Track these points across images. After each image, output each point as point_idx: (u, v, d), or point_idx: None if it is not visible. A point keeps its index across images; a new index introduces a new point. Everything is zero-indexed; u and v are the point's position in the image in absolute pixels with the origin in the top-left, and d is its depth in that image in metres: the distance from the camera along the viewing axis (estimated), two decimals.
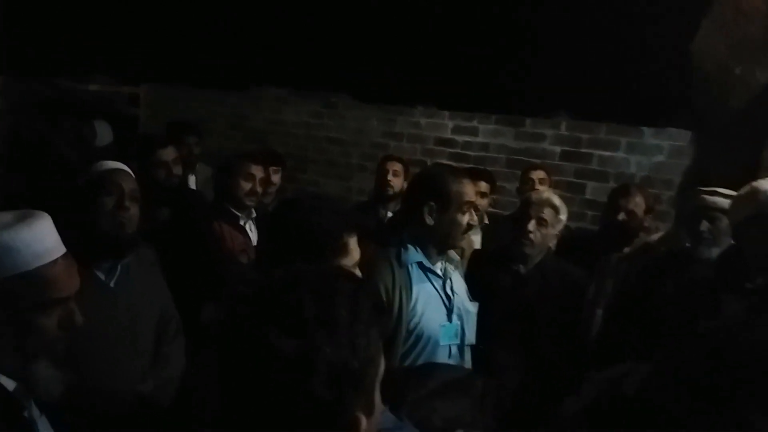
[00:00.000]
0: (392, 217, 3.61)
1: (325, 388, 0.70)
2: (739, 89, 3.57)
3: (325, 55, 5.73)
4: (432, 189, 2.07)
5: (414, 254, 2.06)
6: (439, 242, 2.08)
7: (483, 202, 3.53)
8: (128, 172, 2.03)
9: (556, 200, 2.72)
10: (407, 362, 1.99)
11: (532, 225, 2.60)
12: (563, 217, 2.70)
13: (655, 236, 3.24)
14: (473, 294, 2.26)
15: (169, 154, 3.10)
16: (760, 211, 2.09)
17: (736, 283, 2.12)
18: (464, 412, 1.24)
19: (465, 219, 2.05)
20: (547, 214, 2.62)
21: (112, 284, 1.95)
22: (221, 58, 6.15)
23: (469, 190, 2.08)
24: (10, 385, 1.23)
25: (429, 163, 5.08)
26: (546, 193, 2.83)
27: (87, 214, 1.90)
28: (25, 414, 1.24)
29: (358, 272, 1.56)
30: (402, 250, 2.06)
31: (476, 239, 3.54)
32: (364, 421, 0.75)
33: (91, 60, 6.31)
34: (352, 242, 1.55)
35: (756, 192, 2.14)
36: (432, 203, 2.04)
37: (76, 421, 1.44)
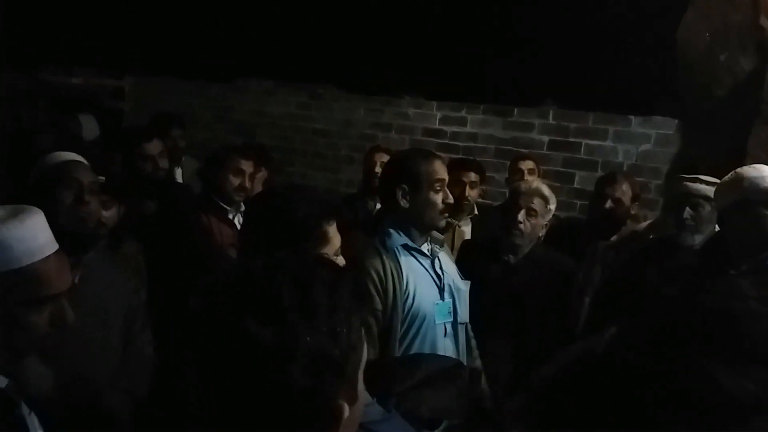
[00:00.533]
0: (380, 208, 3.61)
1: (306, 376, 0.70)
2: (723, 77, 3.59)
3: (312, 46, 5.69)
4: (402, 172, 2.11)
5: (398, 238, 2.09)
6: (418, 224, 2.10)
7: (472, 193, 3.53)
8: (85, 164, 1.98)
9: (545, 190, 2.73)
10: (406, 343, 2.02)
11: (521, 215, 2.61)
12: (552, 206, 2.71)
13: (643, 224, 3.27)
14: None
15: (155, 147, 3.07)
16: (744, 198, 2.11)
17: (719, 269, 2.14)
18: (452, 401, 1.24)
19: (439, 197, 2.07)
20: (537, 204, 2.63)
21: (76, 280, 1.93)
22: (207, 50, 6.10)
23: (440, 168, 2.10)
24: (2, 382, 1.22)
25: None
26: (535, 183, 2.84)
27: (45, 208, 1.87)
28: (17, 411, 1.23)
29: (339, 260, 1.57)
30: (386, 236, 2.09)
31: (466, 230, 3.54)
32: (346, 409, 0.75)
33: (74, 52, 6.23)
34: (332, 230, 1.55)
35: (740, 179, 2.16)
36: (404, 186, 2.07)
37: (63, 419, 1.43)
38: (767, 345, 0.27)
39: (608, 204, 3.06)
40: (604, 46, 4.41)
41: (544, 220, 2.69)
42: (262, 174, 3.78)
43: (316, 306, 0.73)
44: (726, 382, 0.26)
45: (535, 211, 2.62)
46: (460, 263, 2.82)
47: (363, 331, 0.80)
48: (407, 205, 2.08)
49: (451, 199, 2.11)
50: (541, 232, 2.72)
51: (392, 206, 2.10)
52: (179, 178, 3.94)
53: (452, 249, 3.43)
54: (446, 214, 2.11)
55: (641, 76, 4.15)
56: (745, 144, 3.42)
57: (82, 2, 6.19)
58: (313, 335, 0.71)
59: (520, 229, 2.61)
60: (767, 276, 2.05)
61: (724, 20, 3.54)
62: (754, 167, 2.22)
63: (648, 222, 3.28)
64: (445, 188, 2.09)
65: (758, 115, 3.40)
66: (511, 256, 2.69)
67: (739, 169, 2.21)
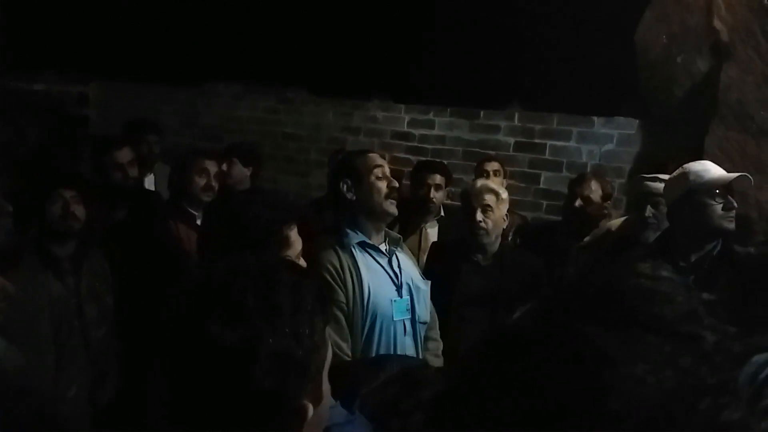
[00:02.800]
0: None
1: (269, 377, 0.71)
2: (681, 78, 3.70)
3: (280, 49, 5.68)
4: (342, 169, 2.21)
5: (354, 236, 2.14)
6: (369, 214, 2.16)
7: (438, 195, 3.58)
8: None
9: (492, 184, 2.83)
10: (366, 339, 2.06)
11: (479, 214, 2.66)
12: (505, 196, 2.78)
13: (614, 222, 3.34)
14: (434, 284, 2.31)
15: (125, 155, 3.06)
16: (688, 190, 2.20)
17: (670, 262, 2.21)
18: (416, 402, 1.26)
19: (382, 183, 2.14)
20: (489, 199, 2.69)
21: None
22: (174, 53, 6.04)
23: (376, 158, 2.21)
24: None
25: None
26: (479, 181, 2.92)
27: None
28: None
29: (302, 262, 1.59)
30: (342, 235, 2.14)
31: (432, 232, 3.58)
32: (311, 408, 0.76)
33: (36, 58, 6.12)
34: (293, 234, 1.57)
35: (685, 173, 2.25)
36: (347, 180, 2.15)
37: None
38: (657, 321, 0.30)
39: (578, 202, 3.14)
40: (566, 49, 4.50)
41: (502, 212, 2.74)
42: (247, 170, 3.77)
43: (278, 308, 0.74)
44: (614, 354, 0.29)
45: (489, 206, 2.68)
46: (430, 265, 2.87)
47: (327, 331, 0.82)
48: (354, 197, 2.14)
49: (395, 183, 2.18)
50: (505, 224, 2.77)
51: (342, 203, 2.17)
52: (152, 184, 3.91)
53: (419, 250, 3.48)
54: (394, 200, 2.16)
55: (603, 78, 4.24)
56: (702, 142, 3.52)
57: (43, 7, 6.09)
58: (276, 337, 0.72)
59: (483, 227, 2.66)
60: (704, 265, 2.13)
61: (680, 23, 3.64)
62: (699, 162, 2.31)
63: (618, 221, 3.35)
64: (387, 175, 2.17)
65: (714, 115, 3.50)
66: (480, 255, 2.73)
67: (685, 165, 2.30)
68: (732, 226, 2.16)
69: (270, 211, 1.56)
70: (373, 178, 2.13)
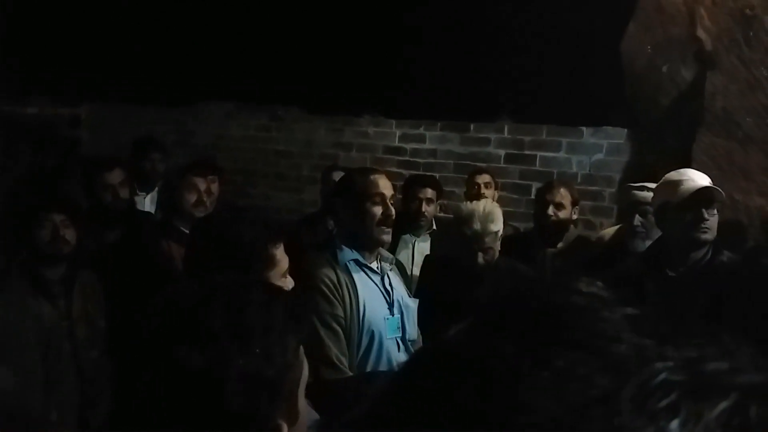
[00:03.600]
0: None
1: (239, 400, 0.71)
2: (667, 87, 3.73)
3: (270, 68, 5.72)
4: (343, 187, 2.17)
5: (348, 253, 2.11)
6: (362, 237, 2.12)
7: (429, 209, 3.59)
8: None
9: (491, 226, 2.60)
10: (362, 356, 2.04)
11: (480, 257, 2.55)
12: (499, 228, 2.65)
13: (607, 231, 3.36)
14: (428, 298, 2.30)
15: (115, 177, 3.08)
16: (665, 201, 2.22)
17: (658, 271, 2.22)
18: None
19: (377, 210, 2.06)
20: (490, 241, 2.57)
21: None
22: (165, 74, 6.08)
23: (379, 182, 2.10)
24: None
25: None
26: (477, 224, 2.60)
27: None
28: None
29: (288, 281, 1.58)
30: (337, 250, 2.11)
31: (425, 245, 3.59)
32: (285, 429, 0.76)
33: (27, 82, 6.15)
34: (278, 252, 1.57)
35: (665, 183, 2.27)
36: (344, 199, 2.12)
37: None
38: (589, 337, 0.31)
39: (551, 209, 3.15)
40: (554, 61, 4.54)
41: (498, 244, 2.65)
42: (216, 185, 3.77)
43: (248, 328, 0.74)
44: (527, 371, 0.30)
45: (490, 248, 2.57)
46: (424, 279, 2.86)
47: (301, 350, 0.83)
48: (348, 219, 2.11)
49: (391, 212, 2.09)
50: (499, 238, 2.71)
51: (338, 221, 2.16)
52: (154, 202, 3.93)
53: (412, 264, 3.49)
54: (387, 228, 2.10)
55: (591, 89, 4.28)
56: (690, 150, 3.55)
57: (34, 31, 6.12)
58: (246, 358, 0.73)
59: (482, 263, 2.59)
60: (692, 274, 2.13)
61: (664, 33, 3.69)
62: (678, 171, 2.32)
63: (611, 230, 3.37)
64: (387, 202, 2.09)
65: (701, 123, 3.53)
66: (471, 268, 2.71)
67: (667, 174, 2.31)
68: (706, 236, 2.15)
69: (255, 229, 1.56)
70: (368, 204, 2.07)
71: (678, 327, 0.33)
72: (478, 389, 0.30)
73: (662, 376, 0.29)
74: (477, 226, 2.54)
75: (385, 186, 2.11)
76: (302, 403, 0.81)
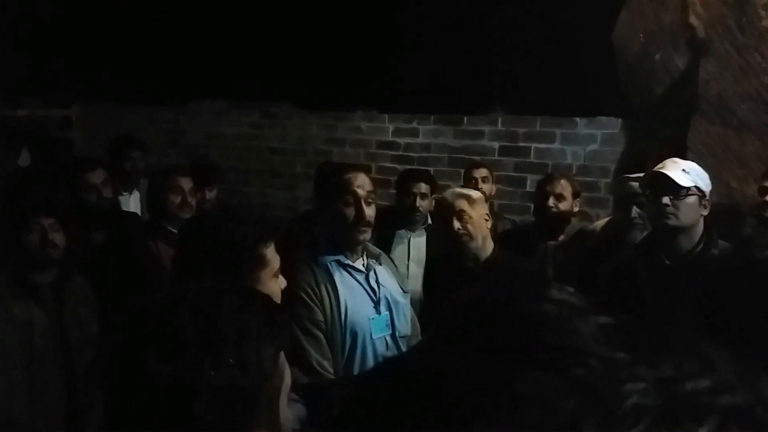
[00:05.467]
0: None
1: (211, 411, 0.68)
2: (660, 75, 3.70)
3: (262, 65, 5.68)
4: (319, 185, 2.11)
5: (329, 254, 2.06)
6: (339, 238, 2.06)
7: (423, 203, 3.55)
8: None
9: (460, 189, 2.77)
10: (348, 360, 2.00)
11: (455, 223, 2.57)
12: (476, 196, 2.66)
13: (598, 223, 3.32)
14: (433, 297, 2.25)
15: (97, 176, 3.04)
16: (643, 191, 2.23)
17: (655, 260, 2.20)
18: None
19: (350, 212, 1.99)
20: (461, 204, 2.57)
21: None
22: (155, 73, 6.03)
23: (354, 181, 2.02)
24: None
25: (373, 167, 5.09)
26: (447, 191, 2.80)
27: None
28: None
29: (280, 281, 1.55)
30: (317, 251, 2.07)
31: (420, 240, 3.55)
32: None
33: (17, 84, 6.10)
34: (269, 252, 1.53)
35: (649, 174, 2.26)
36: (320, 198, 2.10)
37: None
38: (556, 353, 0.28)
39: (551, 201, 3.12)
40: (546, 52, 4.51)
41: (480, 212, 2.62)
42: (213, 191, 3.74)
43: (220, 337, 0.71)
44: (482, 387, 0.27)
45: (464, 211, 2.56)
46: (427, 277, 2.82)
47: (282, 356, 0.79)
48: (326, 219, 2.08)
49: (364, 213, 2.00)
50: (488, 224, 2.67)
51: (318, 219, 2.10)
52: (137, 201, 3.89)
53: (408, 260, 3.45)
54: (363, 227, 2.02)
55: (584, 79, 4.25)
56: (684, 138, 3.51)
57: (24, 32, 6.07)
58: (218, 368, 0.69)
59: (465, 233, 2.57)
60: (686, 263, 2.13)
61: (656, 20, 3.65)
62: (669, 160, 2.32)
63: (604, 220, 3.34)
64: (360, 202, 2.01)
65: (695, 110, 3.50)
66: (471, 263, 2.65)
67: (656, 167, 2.31)
68: (670, 222, 2.14)
69: (244, 229, 1.53)
70: (341, 205, 2.00)
71: (654, 337, 0.29)
72: (429, 411, 0.26)
73: (632, 399, 0.25)
74: (446, 193, 2.71)
75: (360, 184, 2.03)
76: (284, 411, 0.78)
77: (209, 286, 0.78)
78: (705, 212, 2.20)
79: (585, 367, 0.27)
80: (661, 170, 2.18)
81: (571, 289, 0.33)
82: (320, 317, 1.97)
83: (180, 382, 0.67)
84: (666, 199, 2.12)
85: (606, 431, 0.25)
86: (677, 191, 2.13)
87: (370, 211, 2.02)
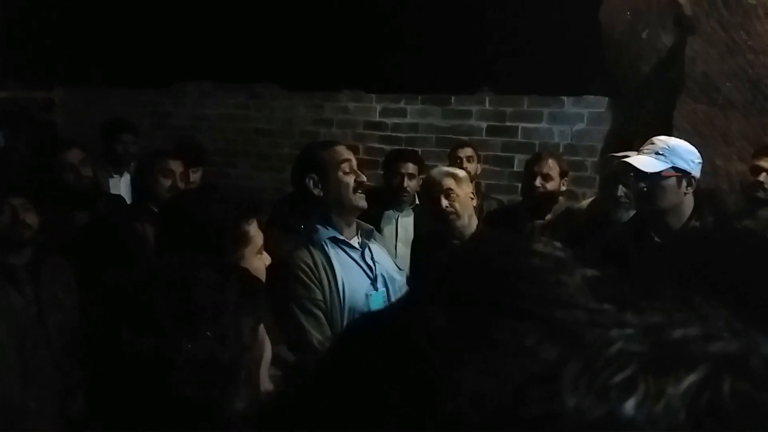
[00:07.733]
0: None
1: (190, 386, 0.67)
2: (647, 53, 3.69)
3: (247, 45, 5.61)
4: (306, 163, 2.13)
5: (324, 232, 2.08)
6: (338, 210, 2.10)
7: (411, 183, 3.54)
8: None
9: (446, 168, 2.78)
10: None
11: (443, 201, 2.59)
12: (462, 174, 2.68)
13: (584, 203, 3.33)
14: (420, 275, 2.27)
15: (74, 155, 2.99)
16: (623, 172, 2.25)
17: (645, 238, 2.20)
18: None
19: (349, 178, 2.07)
20: (448, 183, 2.58)
21: None
22: (139, 55, 5.94)
23: (343, 151, 2.13)
24: None
25: (360, 147, 5.06)
26: (433, 170, 2.83)
27: None
28: None
29: (265, 258, 1.55)
30: (312, 231, 2.08)
31: (408, 220, 3.55)
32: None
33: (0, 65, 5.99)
34: (252, 229, 1.53)
35: (619, 162, 2.27)
36: (312, 175, 2.08)
37: None
38: (538, 304, 0.27)
39: (538, 181, 3.12)
40: (533, 31, 4.48)
41: (466, 191, 2.63)
42: (198, 173, 3.70)
43: (197, 310, 0.70)
44: (461, 343, 0.26)
45: (450, 189, 2.57)
46: (414, 259, 2.82)
47: (262, 329, 0.78)
48: (320, 193, 2.08)
49: (363, 178, 2.11)
50: (474, 202, 2.69)
51: (309, 199, 2.10)
52: (127, 184, 3.86)
53: (396, 240, 3.45)
54: (362, 193, 2.10)
55: (571, 58, 4.23)
56: (671, 117, 3.52)
57: (4, 14, 5.95)
58: (196, 342, 0.68)
59: (451, 211, 2.58)
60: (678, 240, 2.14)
61: None
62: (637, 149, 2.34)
63: (588, 200, 3.35)
64: (354, 168, 2.10)
65: (682, 89, 3.50)
66: (457, 241, 2.67)
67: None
68: (645, 206, 2.18)
69: (225, 207, 1.52)
70: (340, 173, 2.06)
71: (644, 289, 0.29)
72: (403, 366, 0.26)
73: (617, 346, 0.25)
74: (432, 172, 2.73)
75: (349, 153, 2.14)
76: (264, 383, 0.77)
77: (185, 259, 0.77)
78: (689, 191, 2.19)
79: (569, 316, 0.26)
80: (625, 159, 2.20)
81: (558, 244, 0.32)
82: (319, 296, 1.99)
83: (158, 355, 0.66)
84: (641, 185, 2.13)
85: (590, 377, 0.24)
86: (650, 177, 2.14)
87: (362, 178, 2.11)
